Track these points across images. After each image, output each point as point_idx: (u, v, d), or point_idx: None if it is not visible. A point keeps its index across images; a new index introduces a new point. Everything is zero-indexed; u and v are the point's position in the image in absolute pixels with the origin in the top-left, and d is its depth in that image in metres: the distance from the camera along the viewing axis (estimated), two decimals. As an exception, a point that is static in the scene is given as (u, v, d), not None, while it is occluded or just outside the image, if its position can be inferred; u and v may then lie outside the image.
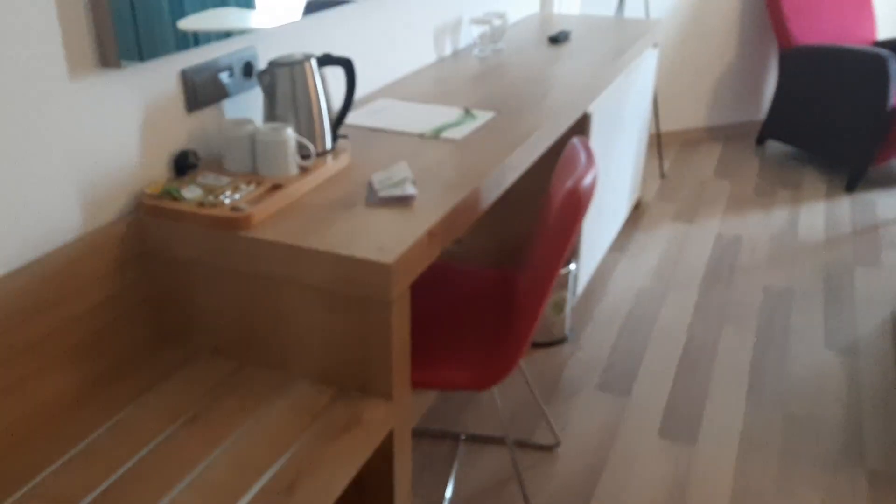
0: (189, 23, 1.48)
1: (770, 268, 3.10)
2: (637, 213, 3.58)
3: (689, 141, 4.51)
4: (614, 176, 2.93)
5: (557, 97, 2.20)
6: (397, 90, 2.26)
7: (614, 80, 2.62)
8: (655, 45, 3.29)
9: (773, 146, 4.43)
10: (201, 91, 1.57)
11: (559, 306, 2.51)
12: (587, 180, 1.46)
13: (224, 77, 1.62)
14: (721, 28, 4.33)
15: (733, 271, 3.08)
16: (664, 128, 4.46)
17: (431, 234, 1.39)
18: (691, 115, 4.49)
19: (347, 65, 1.67)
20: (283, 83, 1.60)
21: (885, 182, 3.92)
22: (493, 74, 2.44)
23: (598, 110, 2.47)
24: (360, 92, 2.21)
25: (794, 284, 2.98)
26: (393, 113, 2.06)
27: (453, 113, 2.07)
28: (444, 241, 1.45)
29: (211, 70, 1.58)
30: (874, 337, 2.65)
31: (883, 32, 4.74)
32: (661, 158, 4.05)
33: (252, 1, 1.65)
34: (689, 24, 4.26)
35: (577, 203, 1.43)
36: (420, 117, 2.02)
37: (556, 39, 2.87)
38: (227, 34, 1.57)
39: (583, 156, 1.57)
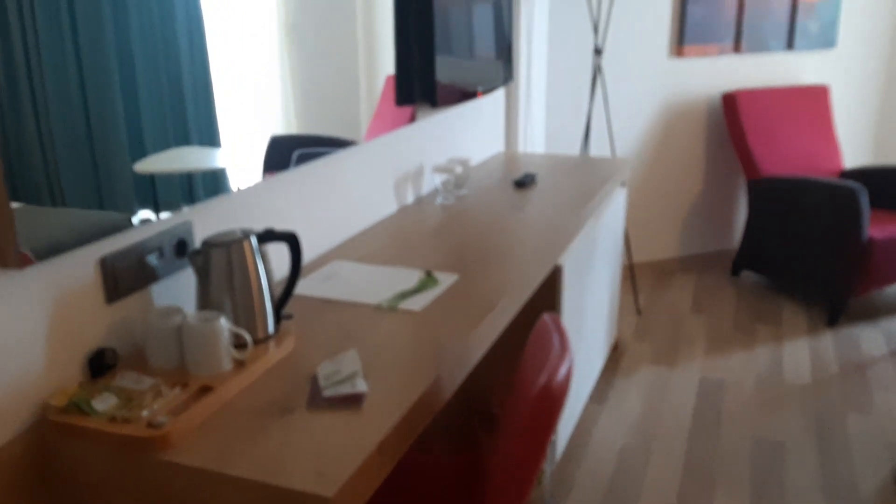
0: (149, 164, 1.34)
1: (759, 415, 2.92)
2: (615, 355, 3.41)
3: (664, 272, 4.41)
4: (590, 323, 2.77)
5: (526, 251, 2.06)
6: (353, 249, 2.11)
7: (583, 227, 2.50)
8: (623, 184, 3.21)
9: (749, 277, 4.33)
10: (124, 278, 1.39)
11: (537, 478, 2.29)
12: (561, 373, 1.29)
13: (153, 259, 1.45)
14: (687, 160, 4.31)
15: (720, 420, 2.88)
16: (637, 259, 4.36)
17: (383, 448, 1.19)
18: (663, 245, 4.41)
19: (292, 240, 1.52)
20: (218, 265, 1.43)
21: (866, 315, 3.81)
22: (456, 225, 2.30)
23: (569, 261, 2.33)
24: (312, 253, 2.05)
25: (785, 434, 2.79)
26: (347, 279, 1.89)
27: (413, 277, 1.91)
28: (399, 452, 1.25)
29: (137, 253, 1.42)
30: (877, 497, 2.44)
31: (848, 161, 4.76)
32: (635, 292, 3.92)
33: (217, 138, 1.52)
34: (654, 158, 4.23)
35: (552, 403, 1.25)
36: (377, 283, 1.86)
37: (522, 183, 2.77)
38: (185, 185, 1.42)
39: (556, 339, 1.41)
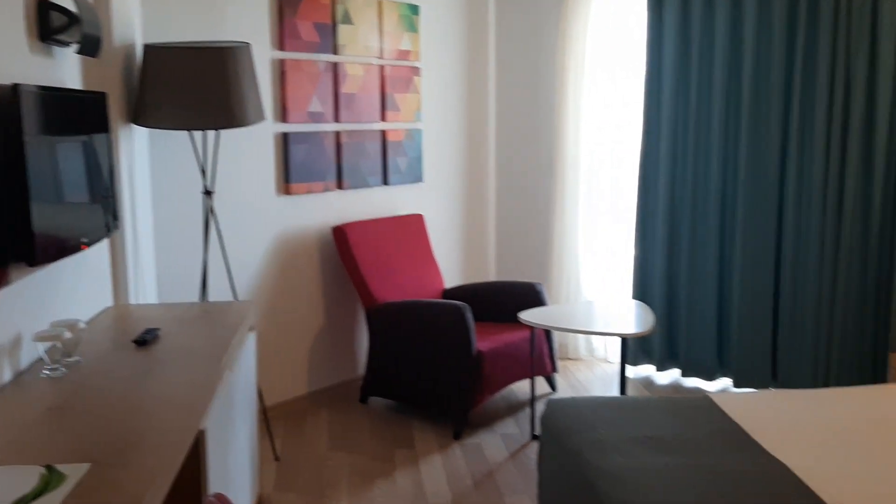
0: None
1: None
2: (260, 511, 3.19)
3: (295, 411, 4.31)
4: (234, 485, 2.55)
5: (165, 422, 1.83)
6: (-61, 454, 1.68)
7: (221, 382, 2.32)
8: (252, 329, 3.09)
9: (377, 402, 4.43)
10: None
11: None
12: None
13: None
14: (307, 295, 4.35)
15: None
16: (268, 402, 4.20)
17: None
18: (292, 384, 4.33)
19: None
20: None
21: (484, 423, 4.11)
22: (74, 403, 1.97)
23: (210, 422, 2.13)
24: None
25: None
26: (-64, 496, 1.48)
27: (30, 475, 1.56)
28: None
29: None
30: None
31: (448, 282, 5.23)
32: (271, 438, 3.75)
33: None
34: (274, 296, 4.19)
35: None
36: (-21, 495, 1.48)
37: (144, 341, 2.50)
38: None
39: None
